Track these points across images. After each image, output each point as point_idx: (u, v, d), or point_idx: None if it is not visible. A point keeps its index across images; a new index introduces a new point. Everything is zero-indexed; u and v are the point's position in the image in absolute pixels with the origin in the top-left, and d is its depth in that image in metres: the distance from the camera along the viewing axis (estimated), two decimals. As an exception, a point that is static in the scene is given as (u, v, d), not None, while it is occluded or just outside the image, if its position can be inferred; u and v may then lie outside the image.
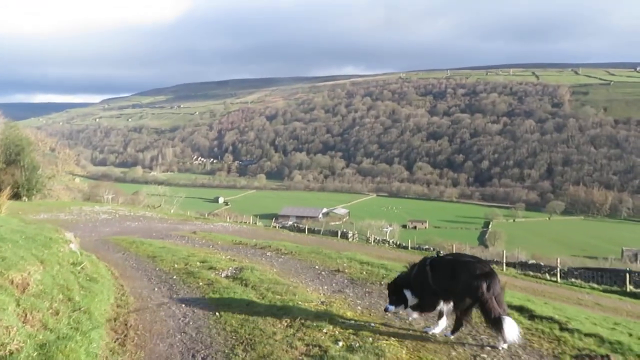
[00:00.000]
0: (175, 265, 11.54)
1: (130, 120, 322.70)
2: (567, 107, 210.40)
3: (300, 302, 7.35)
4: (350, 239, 48.24)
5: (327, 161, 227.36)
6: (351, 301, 7.94)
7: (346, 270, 10.54)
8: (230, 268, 10.59)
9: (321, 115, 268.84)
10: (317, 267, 11.33)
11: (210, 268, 10.78)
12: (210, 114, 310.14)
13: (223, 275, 9.98)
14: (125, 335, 6.01)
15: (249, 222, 50.22)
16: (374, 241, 49.78)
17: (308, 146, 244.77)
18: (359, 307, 7.49)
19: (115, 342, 5.70)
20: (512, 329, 5.23)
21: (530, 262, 33.04)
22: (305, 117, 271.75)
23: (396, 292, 6.00)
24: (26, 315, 4.81)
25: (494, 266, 8.79)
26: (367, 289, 8.94)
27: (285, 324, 6.32)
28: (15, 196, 40.40)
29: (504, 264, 24.96)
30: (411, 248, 41.49)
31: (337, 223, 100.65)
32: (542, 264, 30.11)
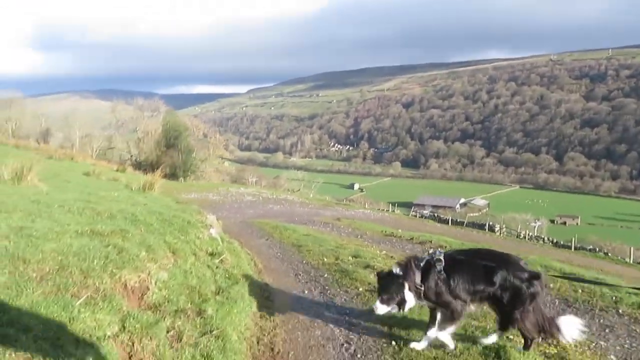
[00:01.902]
0: (325, 259, 9.76)
1: (272, 108, 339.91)
2: None
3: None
4: (497, 233, 43.70)
5: (466, 150, 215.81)
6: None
7: (551, 285, 7.74)
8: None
9: (460, 102, 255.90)
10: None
11: (367, 267, 8.73)
12: (347, 102, 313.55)
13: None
14: (271, 371, 4.18)
15: (389, 210, 48.01)
16: (526, 237, 44.42)
17: (445, 134, 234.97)
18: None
19: (258, 383, 3.90)
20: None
21: None
22: (442, 104, 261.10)
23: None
24: (132, 348, 3.17)
25: None
26: (596, 319, 6.14)
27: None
28: (173, 176, 43.56)
29: None
30: (575, 249, 35.83)
31: (475, 214, 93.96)
32: None
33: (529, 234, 47.14)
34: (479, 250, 5.37)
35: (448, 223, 46.98)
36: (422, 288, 4.56)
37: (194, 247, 6.71)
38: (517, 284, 4.37)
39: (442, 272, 4.54)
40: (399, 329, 5.28)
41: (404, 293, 4.52)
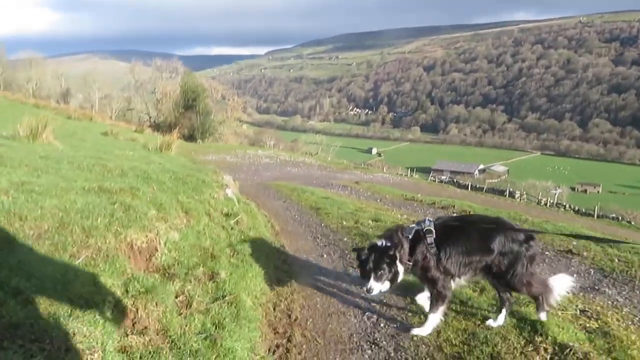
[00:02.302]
0: (344, 222, 9.43)
1: (291, 71, 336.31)
2: None
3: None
4: (517, 199, 42.99)
5: (487, 115, 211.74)
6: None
7: (583, 253, 7.29)
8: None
9: (483, 66, 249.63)
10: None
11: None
12: (366, 65, 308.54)
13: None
14: (288, 340, 3.88)
15: (407, 175, 47.43)
16: (547, 204, 43.61)
17: (467, 98, 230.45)
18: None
19: (273, 353, 3.61)
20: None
21: None
22: (465, 67, 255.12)
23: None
24: (135, 313, 2.87)
25: None
26: (637, 291, 5.71)
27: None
28: (191, 138, 43.59)
29: None
30: (598, 217, 34.96)
31: (494, 181, 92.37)
32: None
33: (549, 201, 46.37)
34: (469, 216, 4.96)
35: (467, 188, 46.39)
36: (410, 263, 4.13)
37: (209, 207, 6.40)
38: (516, 248, 4.01)
39: (433, 245, 4.10)
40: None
41: (397, 266, 4.04)
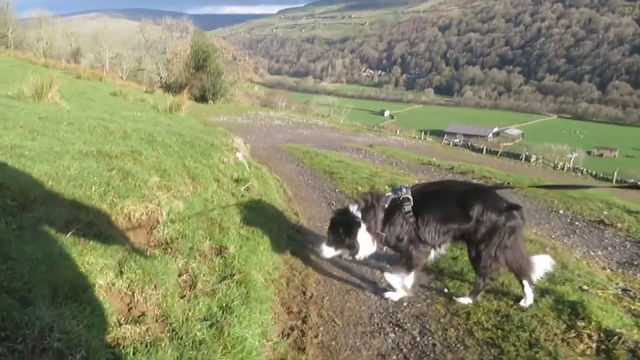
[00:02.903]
0: (359, 188, 9.04)
1: (303, 30, 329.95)
2: None
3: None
4: (533, 163, 42.21)
5: (503, 76, 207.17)
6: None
7: (617, 224, 6.82)
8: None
9: (501, 25, 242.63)
10: (561, 211, 7.73)
11: (406, 198, 7.99)
12: (380, 24, 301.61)
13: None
14: (303, 321, 3.54)
15: (421, 138, 46.58)
16: (564, 168, 42.77)
17: (483, 60, 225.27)
18: None
19: (287, 337, 3.26)
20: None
21: None
22: (482, 27, 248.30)
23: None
24: (131, 298, 2.52)
25: None
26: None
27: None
28: (202, 99, 43.12)
29: None
30: (617, 181, 34.08)
31: (509, 144, 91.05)
32: None
33: (566, 166, 45.50)
34: (449, 182, 4.77)
35: (482, 152, 45.60)
36: (384, 234, 3.88)
37: (217, 172, 6.01)
38: (494, 217, 3.69)
39: (411, 214, 3.83)
40: (450, 276, 4.56)
41: (356, 236, 3.85)
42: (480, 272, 3.88)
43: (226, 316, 2.75)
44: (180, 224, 3.74)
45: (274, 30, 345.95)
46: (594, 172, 43.98)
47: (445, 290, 4.28)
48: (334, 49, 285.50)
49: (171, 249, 3.32)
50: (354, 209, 3.93)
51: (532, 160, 47.84)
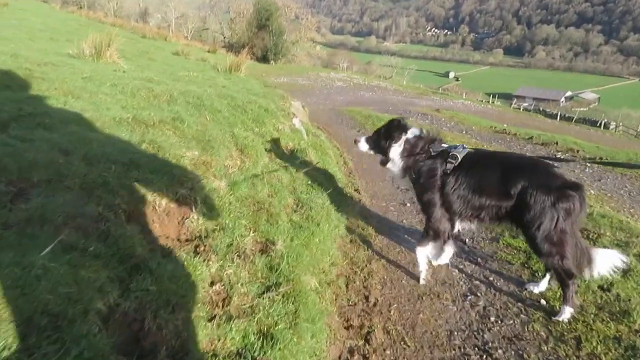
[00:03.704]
0: (427, 160, 8.13)
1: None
2: None
3: None
4: (612, 131, 38.87)
5: (581, 36, 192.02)
6: None
7: None
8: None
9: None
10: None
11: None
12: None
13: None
14: (365, 340, 2.83)
15: (490, 102, 43.90)
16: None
17: (559, 17, 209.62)
18: None
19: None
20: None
21: None
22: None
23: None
24: (141, 326, 1.89)
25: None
26: None
27: None
28: (264, 59, 42.82)
29: None
30: None
31: (583, 109, 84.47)
32: None
33: (654, 134, 41.62)
34: (507, 154, 4.24)
35: (557, 118, 42.57)
36: (415, 168, 3.71)
37: (271, 142, 5.33)
38: (540, 197, 3.12)
39: (448, 173, 3.53)
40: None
41: (392, 148, 3.81)
42: (549, 264, 3.28)
43: (266, 350, 2.09)
44: (221, 211, 3.10)
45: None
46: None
47: (543, 302, 3.43)
48: (399, 6, 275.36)
49: (205, 246, 2.68)
50: (410, 130, 3.85)
51: (612, 127, 44.08)
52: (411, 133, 3.82)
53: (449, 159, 3.54)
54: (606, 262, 3.20)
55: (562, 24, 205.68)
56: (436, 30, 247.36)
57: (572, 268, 3.14)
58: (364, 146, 4.17)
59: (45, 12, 29.93)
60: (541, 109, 62.02)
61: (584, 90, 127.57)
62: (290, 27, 51.49)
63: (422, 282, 3.71)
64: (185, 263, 2.34)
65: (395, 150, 3.79)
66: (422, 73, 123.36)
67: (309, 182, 4.84)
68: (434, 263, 3.91)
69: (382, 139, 3.93)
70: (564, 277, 3.18)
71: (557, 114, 48.43)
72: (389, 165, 3.94)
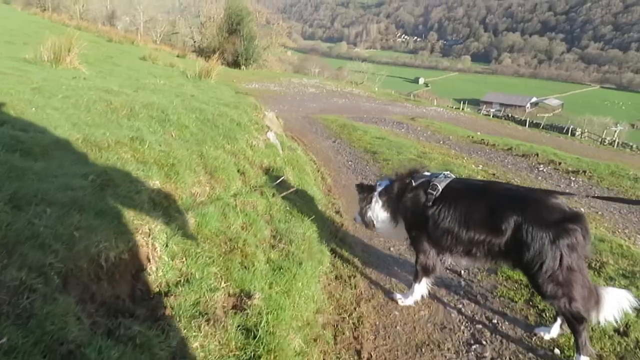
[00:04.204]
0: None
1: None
2: None
3: None
4: (579, 137, 39.69)
5: (544, 44, 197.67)
6: None
7: None
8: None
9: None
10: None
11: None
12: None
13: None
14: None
15: (460, 108, 44.23)
16: (614, 144, 39.88)
17: (524, 26, 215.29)
18: None
19: None
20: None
21: None
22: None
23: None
24: None
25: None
26: None
27: None
28: (235, 64, 42.20)
29: None
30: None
31: (547, 115, 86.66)
32: None
33: (616, 141, 42.62)
34: (490, 182, 3.87)
35: (525, 124, 43.29)
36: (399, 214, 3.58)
37: (244, 161, 4.82)
38: (540, 233, 2.81)
39: (430, 203, 3.31)
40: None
41: (374, 208, 3.71)
42: (556, 308, 2.99)
43: None
44: (185, 257, 2.58)
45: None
46: (649, 149, 40.86)
47: (557, 351, 3.03)
48: (369, 13, 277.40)
49: (165, 308, 2.16)
50: (379, 184, 3.79)
51: (577, 133, 45.05)
52: (380, 186, 3.74)
53: (429, 190, 3.34)
54: (616, 304, 2.86)
55: (527, 32, 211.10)
56: (406, 37, 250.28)
57: (582, 311, 2.80)
58: (360, 220, 3.95)
59: (4, 13, 28.54)
60: (510, 115, 63.11)
61: (548, 97, 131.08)
62: (261, 32, 50.98)
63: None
64: (138, 341, 1.82)
65: (374, 209, 3.69)
66: (392, 79, 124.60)
67: (287, 208, 4.34)
68: (401, 303, 3.62)
69: (361, 206, 3.83)
70: (573, 322, 2.84)
71: (525, 121, 49.27)
72: (377, 226, 3.78)
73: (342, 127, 13.49)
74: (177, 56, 31.19)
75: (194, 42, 53.26)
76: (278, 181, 4.79)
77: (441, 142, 12.46)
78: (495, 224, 2.98)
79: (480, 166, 8.87)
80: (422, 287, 3.55)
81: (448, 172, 3.52)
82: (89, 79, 8.93)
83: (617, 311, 2.84)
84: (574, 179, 7.90)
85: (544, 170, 8.67)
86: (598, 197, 6.34)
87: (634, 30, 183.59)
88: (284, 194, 4.47)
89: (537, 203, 2.95)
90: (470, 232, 3.10)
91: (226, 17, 45.30)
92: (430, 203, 3.27)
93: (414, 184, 3.46)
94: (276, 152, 5.95)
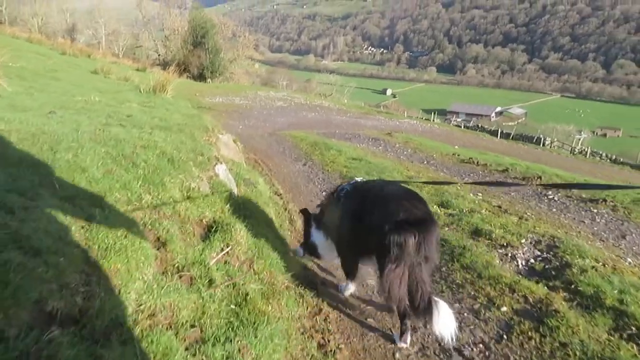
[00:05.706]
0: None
1: (305, 7, 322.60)
2: None
3: None
4: (548, 147, 39.33)
5: (507, 55, 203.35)
6: None
7: None
8: (528, 242, 4.84)
9: (505, 2, 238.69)
10: None
11: (476, 234, 5.21)
12: (383, 0, 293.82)
13: (520, 263, 4.36)
14: None
15: (431, 120, 43.39)
16: (586, 153, 39.59)
17: (486, 37, 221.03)
18: None
19: None
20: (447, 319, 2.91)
21: None
22: (486, 3, 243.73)
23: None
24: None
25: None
26: None
27: None
28: (200, 77, 40.80)
29: None
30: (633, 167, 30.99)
31: (511, 124, 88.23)
32: None
33: (585, 150, 42.42)
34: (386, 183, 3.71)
35: (497, 135, 42.90)
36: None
37: (168, 223, 3.20)
38: (379, 227, 2.85)
39: (338, 209, 3.40)
40: None
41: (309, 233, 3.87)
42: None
43: None
44: None
45: (275, 6, 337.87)
46: (613, 157, 40.70)
47: None
48: (336, 26, 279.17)
49: None
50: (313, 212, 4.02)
51: (547, 143, 44.82)
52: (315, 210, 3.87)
53: (340, 193, 3.51)
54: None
55: (490, 44, 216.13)
56: (372, 49, 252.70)
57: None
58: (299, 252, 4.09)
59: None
60: (480, 125, 63.07)
61: (512, 106, 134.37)
62: (227, 45, 49.68)
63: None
64: None
65: (315, 233, 3.78)
66: (360, 90, 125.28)
67: (233, 305, 2.73)
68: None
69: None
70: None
71: (497, 131, 48.96)
72: (320, 252, 3.80)
73: (313, 146, 11.98)
74: (137, 69, 29.28)
75: (159, 55, 51.63)
76: (223, 253, 3.17)
77: (425, 163, 11.05)
78: (361, 218, 3.07)
79: (480, 195, 7.44)
80: (351, 288, 3.69)
81: (359, 178, 3.61)
82: (8, 96, 7.36)
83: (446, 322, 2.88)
84: (595, 210, 6.54)
85: (555, 198, 7.29)
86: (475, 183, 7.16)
87: (590, 42, 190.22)
88: (227, 283, 2.84)
89: (392, 196, 3.03)
90: (354, 230, 3.17)
91: (191, 29, 44.14)
92: (340, 207, 3.36)
93: (335, 195, 3.55)
94: (226, 197, 4.31)
